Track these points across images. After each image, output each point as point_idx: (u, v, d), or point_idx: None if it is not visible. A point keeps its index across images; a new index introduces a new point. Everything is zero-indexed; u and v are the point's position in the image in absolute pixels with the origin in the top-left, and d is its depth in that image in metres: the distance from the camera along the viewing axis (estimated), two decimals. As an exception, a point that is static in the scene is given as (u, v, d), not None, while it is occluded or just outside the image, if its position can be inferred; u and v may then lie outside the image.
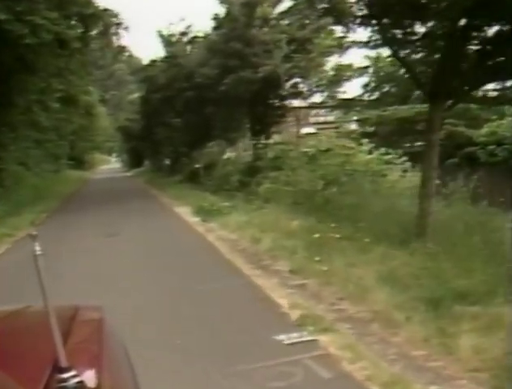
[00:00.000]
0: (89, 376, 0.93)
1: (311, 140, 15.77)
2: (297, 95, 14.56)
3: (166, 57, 22.14)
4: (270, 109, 15.55)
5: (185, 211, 13.71)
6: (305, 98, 13.81)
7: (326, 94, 18.58)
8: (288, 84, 14.71)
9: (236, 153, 22.39)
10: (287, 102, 15.54)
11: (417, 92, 26.91)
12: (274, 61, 12.74)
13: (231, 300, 5.41)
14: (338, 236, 7.41)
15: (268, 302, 5.25)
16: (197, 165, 23.34)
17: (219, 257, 7.66)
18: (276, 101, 15.48)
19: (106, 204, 17.10)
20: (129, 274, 6.77)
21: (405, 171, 11.20)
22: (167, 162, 33.71)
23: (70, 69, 23.91)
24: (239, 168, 16.48)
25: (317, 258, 6.44)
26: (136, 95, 55.24)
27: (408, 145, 16.75)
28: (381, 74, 32.59)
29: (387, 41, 6.69)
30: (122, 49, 39.60)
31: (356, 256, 6.25)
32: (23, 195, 20.03)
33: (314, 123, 35.29)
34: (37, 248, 0.88)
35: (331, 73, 14.41)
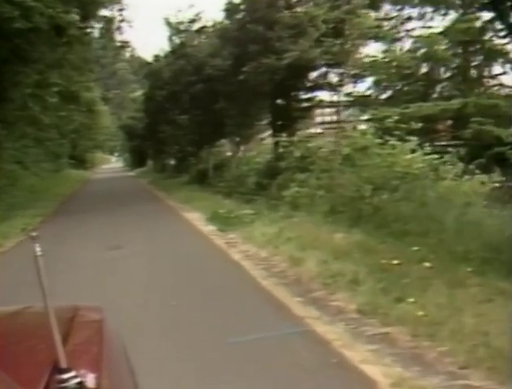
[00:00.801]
0: (89, 377, 0.92)
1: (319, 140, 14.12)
2: (326, 86, 12.78)
3: (173, 48, 20.33)
4: (295, 102, 13.72)
5: (196, 218, 11.94)
6: (334, 90, 12.07)
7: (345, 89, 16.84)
8: (316, 73, 12.93)
9: (251, 152, 20.62)
10: (314, 95, 13.73)
11: (439, 89, 25.21)
12: (301, 46, 10.97)
13: (290, 368, 3.59)
14: (404, 258, 5.64)
15: (349, 373, 3.44)
16: (205, 165, 21.58)
17: (254, 285, 5.87)
18: (302, 93, 13.64)
19: (108, 208, 15.33)
20: (138, 313, 4.97)
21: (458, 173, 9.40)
22: (171, 162, 31.94)
23: (68, 60, 22.22)
24: (256, 169, 14.69)
25: (395, 293, 4.66)
26: (139, 92, 53.61)
27: (443, 144, 14.97)
28: (393, 70, 31.01)
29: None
30: (125, 44, 37.79)
31: (451, 292, 4.48)
32: (18, 197, 18.30)
33: (320, 123, 33.84)
34: (38, 249, 0.86)
35: (369, 60, 12.55)
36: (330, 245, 6.86)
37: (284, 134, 13.39)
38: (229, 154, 24.80)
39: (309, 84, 13.09)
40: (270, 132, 19.84)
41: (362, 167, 9.07)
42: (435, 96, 22.99)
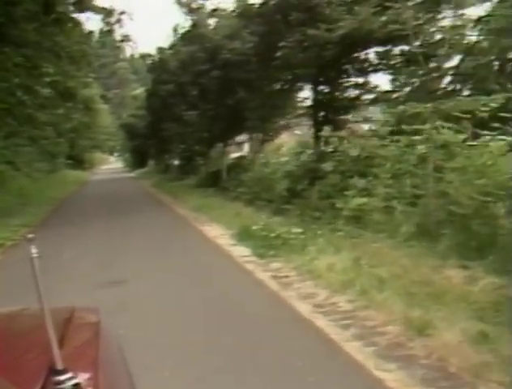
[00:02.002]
0: (85, 378, 0.91)
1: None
2: (386, 68, 10.10)
3: (183, 33, 17.61)
4: (342, 88, 10.94)
5: (219, 234, 9.28)
6: (393, 73, 9.48)
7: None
8: (373, 51, 10.19)
9: (264, 151, 17.93)
10: (366, 79, 10.93)
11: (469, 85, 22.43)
12: (360, 13, 8.31)
13: None
14: None
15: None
16: (217, 166, 18.92)
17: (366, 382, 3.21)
18: (355, 76, 10.80)
19: (106, 218, 12.64)
20: None
21: None
22: (176, 162, 29.26)
23: (64, 50, 19.72)
24: (286, 172, 12.02)
25: None
26: (140, 90, 50.95)
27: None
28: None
29: None
30: (125, 38, 35.04)
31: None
32: (4, 201, 15.65)
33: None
34: (34, 251, 0.85)
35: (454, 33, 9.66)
36: (460, 294, 4.23)
37: (325, 128, 10.76)
38: (241, 154, 22.16)
39: (362, 65, 10.37)
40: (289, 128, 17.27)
41: (456, 170, 6.43)
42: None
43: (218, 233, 9.37)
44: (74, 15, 20.82)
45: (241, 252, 7.55)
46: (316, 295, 5.10)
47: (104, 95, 64.58)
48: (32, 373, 0.93)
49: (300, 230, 7.32)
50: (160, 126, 28.79)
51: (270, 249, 7.08)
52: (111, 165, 71.26)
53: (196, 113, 21.48)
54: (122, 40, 32.62)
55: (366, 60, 10.32)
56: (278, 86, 13.38)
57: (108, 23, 24.23)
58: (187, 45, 17.26)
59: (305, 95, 12.89)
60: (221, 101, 16.05)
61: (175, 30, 25.28)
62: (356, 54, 10.11)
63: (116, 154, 79.80)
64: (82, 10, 22.02)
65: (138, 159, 47.61)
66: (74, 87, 27.47)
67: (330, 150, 10.30)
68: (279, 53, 9.97)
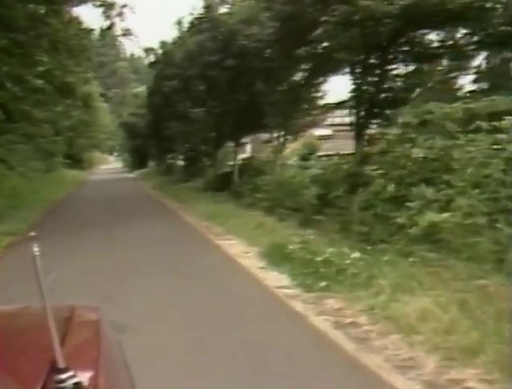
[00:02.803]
0: (87, 376, 0.89)
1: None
2: (450, 52, 8.25)
3: (196, 19, 15.76)
4: (395, 77, 9.05)
5: (242, 252, 7.49)
6: (457, 59, 7.72)
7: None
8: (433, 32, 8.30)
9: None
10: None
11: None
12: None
13: None
14: None
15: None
16: (226, 168, 17.16)
17: None
18: (409, 60, 8.86)
19: (104, 227, 10.84)
20: None
21: None
22: (179, 163, 27.49)
23: (61, 41, 18.21)
24: (316, 176, 10.26)
25: None
26: (141, 88, 49.17)
27: None
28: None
29: None
30: (127, 32, 33.15)
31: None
32: (-7, 204, 13.96)
33: (330, 124, 29.86)
34: (35, 249, 0.84)
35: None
36: None
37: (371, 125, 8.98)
38: (247, 155, 20.40)
39: (421, 49, 8.52)
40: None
41: None
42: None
43: (240, 250, 7.60)
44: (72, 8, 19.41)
45: (277, 280, 5.77)
46: (419, 364, 3.33)
47: (104, 94, 62.84)
48: (34, 371, 0.90)
49: (357, 254, 5.53)
50: (162, 125, 27.03)
51: (319, 279, 5.30)
52: (110, 165, 69.37)
53: (202, 111, 19.76)
54: (124, 34, 30.77)
55: (424, 42, 8.46)
56: (301, 76, 11.60)
57: (108, 17, 22.86)
58: (196, 34, 15.48)
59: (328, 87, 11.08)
60: (233, 96, 14.31)
61: (179, 23, 23.56)
62: (414, 34, 8.30)
63: (115, 154, 77.96)
64: (82, 3, 20.63)
65: (138, 159, 45.81)
66: (72, 83, 25.67)
67: (377, 151, 8.52)
68: (316, 32, 8.16)
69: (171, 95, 23.64)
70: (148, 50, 27.03)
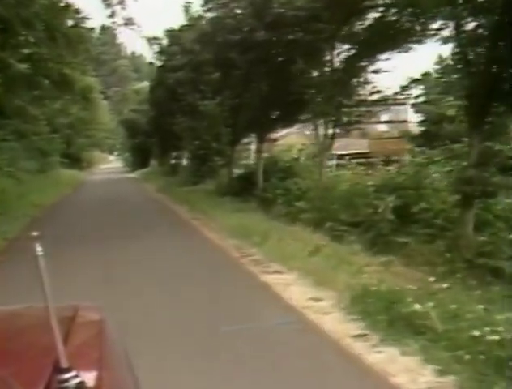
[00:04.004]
0: (90, 376, 0.86)
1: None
2: None
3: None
4: None
5: (310, 299, 4.78)
6: None
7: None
8: None
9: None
10: None
11: None
12: None
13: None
14: None
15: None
16: (247, 169, 14.49)
17: None
18: None
19: (101, 244, 8.11)
20: None
21: None
22: (185, 162, 24.80)
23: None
24: (384, 181, 7.60)
25: None
26: (144, 83, 46.42)
27: None
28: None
29: None
30: (129, 21, 30.45)
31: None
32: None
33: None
34: (38, 249, 0.82)
35: None
36: None
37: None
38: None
39: None
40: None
41: None
42: None
43: (305, 297, 4.89)
44: None
45: (401, 366, 3.10)
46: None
47: (103, 92, 59.98)
48: (37, 371, 0.88)
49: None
50: (166, 121, 24.37)
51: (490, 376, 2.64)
52: (110, 165, 66.51)
53: (215, 103, 17.09)
54: (125, 24, 28.09)
55: None
56: (355, 53, 8.91)
57: (109, 5, 20.65)
58: (214, 11, 12.76)
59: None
60: (257, 81, 11.61)
61: (186, 10, 20.89)
62: None
63: (115, 153, 75.11)
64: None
65: (139, 158, 42.99)
66: (70, 75, 22.96)
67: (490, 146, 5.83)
68: None
69: (177, 87, 21.01)
70: (152, 40, 24.22)
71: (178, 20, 25.35)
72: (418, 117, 30.29)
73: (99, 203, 15.77)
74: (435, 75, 31.07)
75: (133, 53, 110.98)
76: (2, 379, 0.85)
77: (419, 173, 6.86)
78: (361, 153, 29.84)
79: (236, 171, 15.78)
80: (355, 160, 16.04)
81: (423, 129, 31.10)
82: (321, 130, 9.91)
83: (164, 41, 23.70)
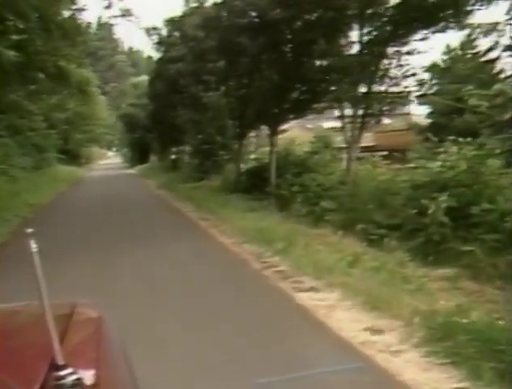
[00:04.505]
0: (87, 373, 0.85)
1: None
2: None
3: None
4: None
5: (367, 331, 3.70)
6: None
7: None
8: None
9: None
10: None
11: None
12: None
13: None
14: None
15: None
16: (258, 163, 13.36)
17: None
18: None
19: (98, 253, 7.00)
20: None
21: None
22: (187, 158, 23.64)
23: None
24: (430, 176, 6.48)
25: None
26: (142, 77, 45.15)
27: None
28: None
29: None
30: (126, 12, 29.36)
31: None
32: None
33: (340, 116, 27.55)
34: (33, 245, 0.81)
35: None
36: None
37: None
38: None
39: None
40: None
41: None
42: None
43: (357, 324, 3.79)
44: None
45: None
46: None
47: (101, 87, 58.64)
48: (33, 368, 0.87)
49: None
50: (167, 115, 23.24)
51: None
52: (109, 160, 65.29)
53: (219, 94, 15.96)
54: (123, 15, 26.95)
55: None
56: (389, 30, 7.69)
57: None
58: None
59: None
60: (269, 67, 10.47)
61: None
62: None
63: (114, 149, 73.85)
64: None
65: (138, 154, 41.80)
66: (66, 68, 21.77)
67: None
68: None
69: (178, 79, 19.85)
70: (151, 30, 22.97)
71: (177, 11, 24.33)
72: (423, 110, 29.15)
73: (97, 202, 14.62)
74: (443, 66, 29.96)
75: (130, 49, 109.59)
76: None
77: (475, 167, 5.78)
78: (367, 147, 28.67)
79: (244, 166, 14.65)
80: (361, 154, 14.97)
81: (431, 121, 29.99)
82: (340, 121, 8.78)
83: (164, 31, 22.55)
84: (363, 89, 8.34)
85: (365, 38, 8.10)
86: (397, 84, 8.75)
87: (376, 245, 6.19)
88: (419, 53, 8.38)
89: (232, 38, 11.46)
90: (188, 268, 5.92)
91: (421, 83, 8.88)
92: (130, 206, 13.13)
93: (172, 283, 5.26)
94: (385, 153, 22.22)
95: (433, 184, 6.18)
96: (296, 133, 26.79)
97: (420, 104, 32.58)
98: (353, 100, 8.29)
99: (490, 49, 11.94)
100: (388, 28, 7.88)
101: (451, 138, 7.75)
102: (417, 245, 5.58)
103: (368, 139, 29.89)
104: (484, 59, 13.19)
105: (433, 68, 25.32)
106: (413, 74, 8.65)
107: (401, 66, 8.55)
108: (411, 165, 8.47)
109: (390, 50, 8.32)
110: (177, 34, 21.96)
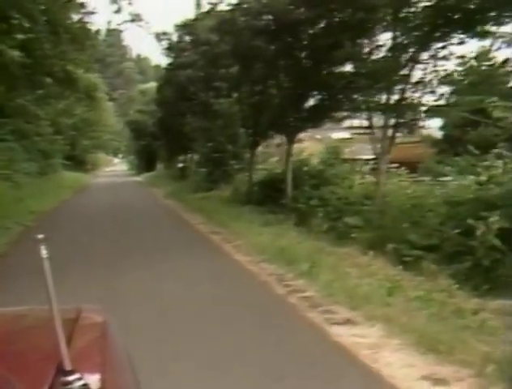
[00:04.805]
0: (93, 379, 0.85)
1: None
2: None
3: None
4: None
5: (425, 380, 3.04)
6: None
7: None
8: None
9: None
10: None
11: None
12: None
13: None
14: None
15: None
16: (271, 173, 12.73)
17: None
18: None
19: (105, 265, 6.37)
20: None
21: None
22: (195, 166, 23.06)
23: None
24: (474, 192, 5.83)
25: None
26: (150, 84, 44.84)
27: None
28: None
29: None
30: (136, 17, 29.08)
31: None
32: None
33: (348, 127, 27.57)
34: (44, 251, 0.82)
35: None
36: None
37: None
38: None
39: None
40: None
41: None
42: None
43: (412, 371, 3.13)
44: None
45: None
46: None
47: (109, 94, 58.38)
48: (40, 373, 0.86)
49: None
50: (175, 122, 22.71)
51: None
52: (115, 167, 64.90)
53: (230, 101, 15.41)
54: (132, 20, 26.65)
55: None
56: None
57: (115, 1, 19.30)
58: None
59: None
60: (288, 71, 9.88)
61: (198, 4, 19.20)
62: None
63: (120, 156, 73.53)
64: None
65: (144, 161, 41.30)
66: (74, 72, 21.34)
67: None
68: None
69: (188, 85, 19.32)
70: (160, 35, 22.49)
71: (188, 16, 23.97)
72: (433, 122, 28.50)
73: (103, 211, 14.02)
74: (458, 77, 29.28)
75: (138, 56, 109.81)
76: (5, 381, 0.84)
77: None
78: (375, 160, 28.04)
79: (255, 176, 14.02)
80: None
81: (444, 133, 29.36)
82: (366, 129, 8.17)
83: (174, 37, 22.08)
84: (394, 97, 7.71)
85: (398, 40, 7.48)
86: (433, 91, 8.12)
87: (411, 268, 5.53)
88: (458, 57, 7.77)
89: (247, 41, 10.90)
90: (202, 291, 5.26)
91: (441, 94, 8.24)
92: (136, 216, 12.52)
93: (186, 312, 4.60)
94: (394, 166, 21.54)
95: (477, 201, 5.54)
96: (305, 143, 26.23)
97: (432, 116, 31.83)
98: (384, 108, 7.67)
99: (506, 61, 11.33)
100: (423, 30, 7.25)
101: (472, 150, 7.19)
102: (462, 270, 4.93)
103: (378, 151, 29.29)
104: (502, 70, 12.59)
105: (448, 78, 24.72)
106: (450, 82, 8.03)
107: (436, 71, 7.93)
108: (443, 179, 7.82)
109: (425, 55, 7.72)
110: (187, 39, 21.51)
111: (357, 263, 5.84)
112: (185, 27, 17.82)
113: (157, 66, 53.77)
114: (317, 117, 10.75)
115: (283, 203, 10.30)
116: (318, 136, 30.88)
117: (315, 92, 9.87)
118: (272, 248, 6.95)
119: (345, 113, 10.61)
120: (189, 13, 27.43)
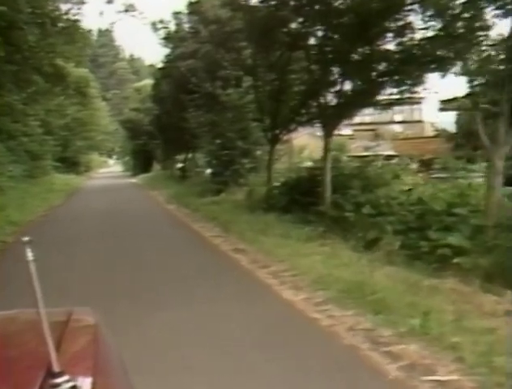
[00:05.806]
0: (83, 381, 0.83)
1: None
2: None
3: None
4: None
5: None
6: None
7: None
8: None
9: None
10: None
11: None
12: None
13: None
14: None
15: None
16: (297, 173, 10.62)
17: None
18: None
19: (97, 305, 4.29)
20: None
21: None
22: (198, 167, 20.93)
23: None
24: None
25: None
26: (145, 81, 42.64)
27: None
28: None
29: None
30: (130, 7, 26.90)
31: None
32: None
33: (351, 124, 26.70)
34: (30, 254, 0.80)
35: None
36: None
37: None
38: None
39: None
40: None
41: None
42: None
43: None
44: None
45: None
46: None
47: (102, 95, 56.16)
48: (29, 376, 0.85)
49: None
50: (175, 118, 20.54)
51: None
52: (109, 169, 62.62)
53: (240, 91, 13.29)
54: (126, 10, 24.39)
55: None
56: None
57: None
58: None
59: None
60: (326, 46, 7.75)
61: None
62: None
63: (115, 157, 71.23)
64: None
65: (140, 162, 39.07)
66: (62, 66, 19.20)
67: None
68: None
69: (189, 77, 17.19)
70: (157, 24, 20.24)
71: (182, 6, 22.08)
72: (444, 116, 26.49)
73: (96, 221, 11.81)
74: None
75: (131, 56, 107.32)
76: None
77: None
78: (387, 155, 26.20)
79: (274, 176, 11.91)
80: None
81: (459, 127, 27.50)
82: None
83: (172, 25, 19.92)
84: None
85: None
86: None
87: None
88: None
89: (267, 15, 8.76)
90: (242, 362, 3.13)
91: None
92: (136, 227, 10.34)
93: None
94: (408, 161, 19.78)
95: None
96: (306, 140, 24.16)
97: (445, 109, 29.85)
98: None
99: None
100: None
101: None
102: None
103: (385, 148, 27.33)
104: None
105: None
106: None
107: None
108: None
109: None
110: (187, 27, 19.40)
111: (484, 311, 3.73)
112: (191, 5, 15.62)
113: (151, 66, 51.52)
114: (365, 102, 8.56)
115: (319, 210, 8.16)
116: (319, 133, 28.84)
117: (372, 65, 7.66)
118: (334, 278, 4.84)
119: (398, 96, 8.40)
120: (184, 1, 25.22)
